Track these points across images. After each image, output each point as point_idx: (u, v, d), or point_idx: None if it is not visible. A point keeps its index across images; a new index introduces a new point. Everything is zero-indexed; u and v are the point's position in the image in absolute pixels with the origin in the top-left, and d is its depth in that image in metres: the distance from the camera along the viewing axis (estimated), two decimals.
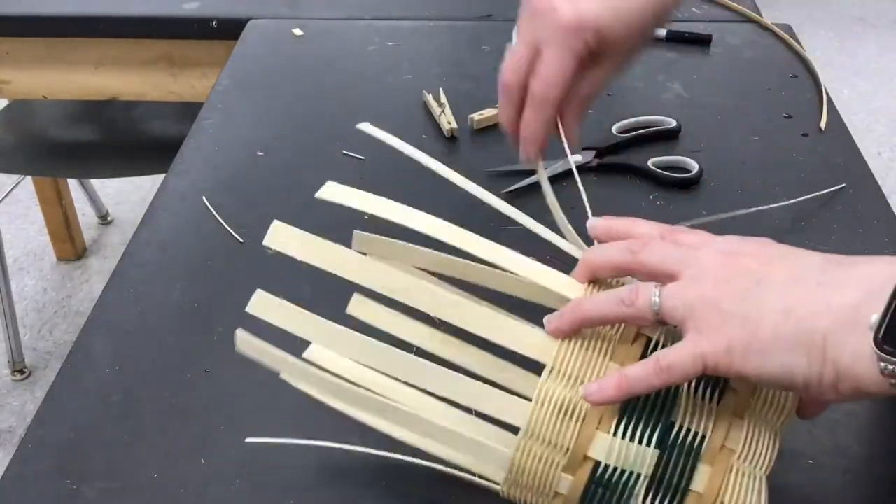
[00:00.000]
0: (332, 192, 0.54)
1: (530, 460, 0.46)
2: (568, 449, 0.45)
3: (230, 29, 1.14)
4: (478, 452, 0.48)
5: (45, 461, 0.58)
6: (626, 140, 0.88)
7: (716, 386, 0.46)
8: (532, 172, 0.83)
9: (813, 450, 0.57)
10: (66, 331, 1.85)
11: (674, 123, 0.90)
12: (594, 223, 0.51)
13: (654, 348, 0.46)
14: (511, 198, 0.80)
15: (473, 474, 0.50)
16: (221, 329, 0.68)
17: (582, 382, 0.46)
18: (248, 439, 0.55)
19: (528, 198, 0.81)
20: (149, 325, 0.68)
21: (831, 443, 0.58)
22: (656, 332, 0.47)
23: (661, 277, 0.45)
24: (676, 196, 0.82)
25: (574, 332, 0.47)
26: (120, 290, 0.72)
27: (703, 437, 0.45)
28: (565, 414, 0.45)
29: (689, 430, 0.45)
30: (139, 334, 0.68)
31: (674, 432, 0.45)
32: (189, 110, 1.30)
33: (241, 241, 0.77)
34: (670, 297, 0.44)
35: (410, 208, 0.51)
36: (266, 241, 0.49)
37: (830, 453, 0.57)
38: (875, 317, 0.38)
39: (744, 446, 0.45)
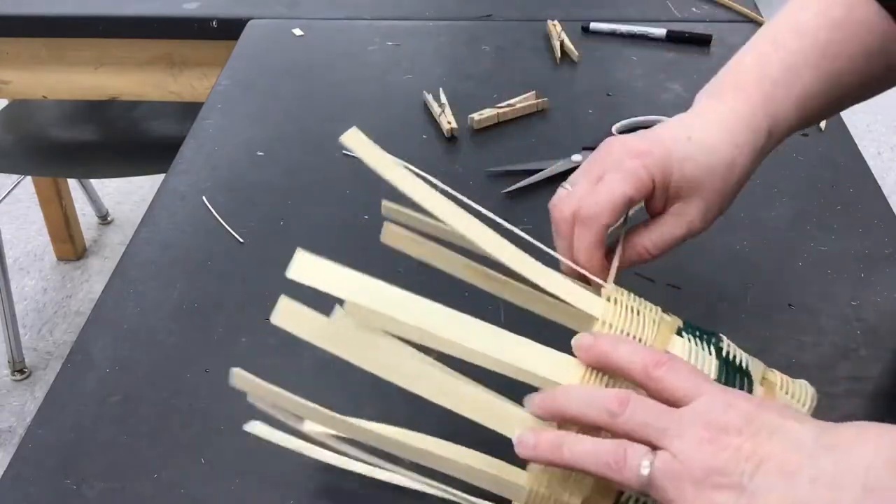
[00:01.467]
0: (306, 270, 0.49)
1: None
2: None
3: (230, 29, 1.14)
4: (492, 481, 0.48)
5: (45, 461, 0.58)
6: None
7: None
8: (531, 173, 0.83)
9: None
10: (66, 331, 1.85)
11: None
12: (576, 343, 0.47)
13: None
14: (510, 198, 0.80)
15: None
16: (221, 329, 0.68)
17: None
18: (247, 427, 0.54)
19: (527, 198, 0.81)
20: (149, 325, 0.68)
21: None
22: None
23: (643, 441, 0.43)
24: None
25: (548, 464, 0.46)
26: (120, 290, 0.72)
27: None
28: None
29: None
30: (139, 334, 0.68)
31: None
32: (189, 110, 1.30)
33: (241, 241, 0.77)
34: (662, 476, 0.41)
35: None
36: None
37: None
38: None
39: None
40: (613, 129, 0.89)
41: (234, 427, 0.60)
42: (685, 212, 0.54)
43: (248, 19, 1.15)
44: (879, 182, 0.83)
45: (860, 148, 0.87)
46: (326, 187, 0.83)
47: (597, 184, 0.52)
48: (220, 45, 1.15)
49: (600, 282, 0.51)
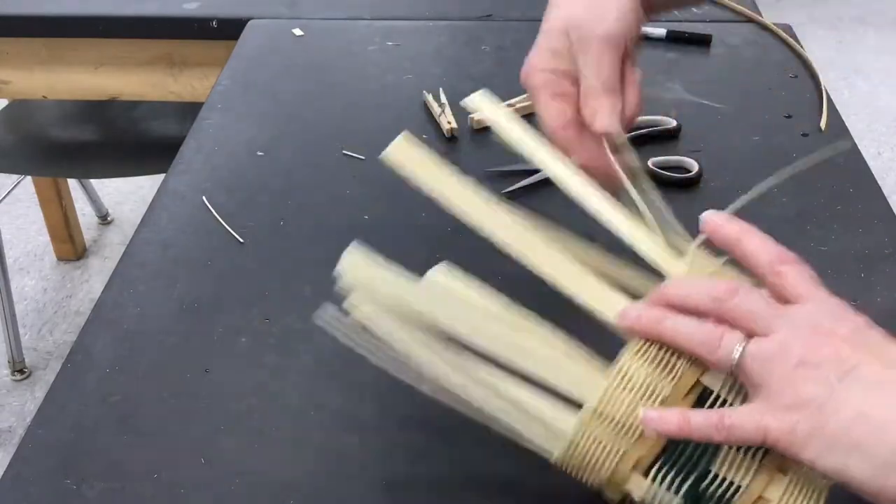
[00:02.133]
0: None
1: (584, 450, 0.47)
2: (608, 477, 0.46)
3: (230, 29, 1.14)
4: (539, 426, 0.48)
5: (45, 461, 0.58)
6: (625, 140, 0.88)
7: None
8: (531, 172, 0.83)
9: None
10: (66, 331, 1.85)
11: (674, 123, 0.90)
12: (707, 217, 0.49)
13: (713, 402, 0.45)
14: (510, 198, 0.80)
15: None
16: (221, 329, 0.68)
17: (622, 423, 0.45)
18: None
19: (527, 198, 0.81)
20: (149, 325, 0.68)
21: None
22: (718, 383, 0.45)
23: (745, 329, 0.44)
24: (676, 196, 0.81)
25: (644, 337, 0.47)
26: (120, 290, 0.72)
27: (739, 487, 0.44)
28: (616, 429, 0.46)
29: (724, 480, 0.44)
30: (139, 334, 0.68)
31: (707, 481, 0.44)
32: (189, 110, 1.30)
33: (241, 241, 0.77)
34: (752, 359, 0.43)
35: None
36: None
37: None
38: None
39: (781, 500, 0.44)
40: None
41: (234, 427, 0.60)
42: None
43: (248, 19, 1.15)
44: (879, 182, 0.83)
45: (860, 148, 0.87)
46: (326, 187, 0.83)
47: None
48: (220, 45, 1.15)
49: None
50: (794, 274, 0.45)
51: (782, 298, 0.45)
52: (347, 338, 0.49)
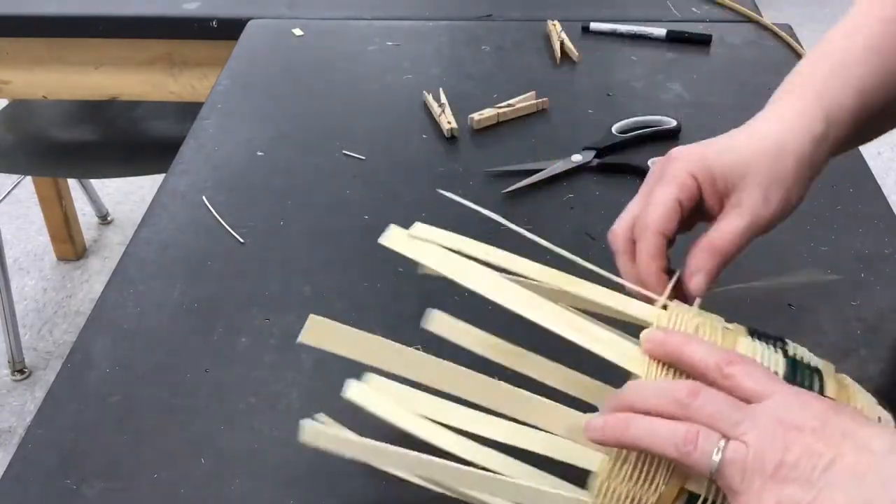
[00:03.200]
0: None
1: None
2: None
3: (230, 29, 1.14)
4: None
5: (45, 461, 0.58)
6: (626, 140, 0.88)
7: None
8: (531, 172, 0.83)
9: None
10: (66, 331, 1.85)
11: (674, 123, 0.90)
12: (646, 336, 0.47)
13: None
14: (510, 198, 0.80)
15: None
16: (221, 329, 0.68)
17: None
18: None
19: (526, 198, 0.81)
20: (149, 325, 0.68)
21: None
22: (704, 487, 0.44)
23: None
24: None
25: (616, 446, 0.45)
26: (120, 290, 0.72)
27: None
28: None
29: None
30: (139, 334, 0.68)
31: None
32: (189, 110, 1.30)
33: (242, 241, 0.77)
34: (732, 464, 0.41)
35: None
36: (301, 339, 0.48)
37: None
38: None
39: None
40: (613, 129, 0.89)
41: (234, 427, 0.60)
42: (741, 200, 0.53)
43: (248, 19, 1.15)
44: (879, 182, 0.83)
45: (860, 148, 0.87)
46: (326, 187, 0.83)
47: (646, 201, 0.53)
48: (220, 45, 1.15)
49: (658, 297, 0.51)
50: (745, 373, 0.44)
51: (741, 400, 0.43)
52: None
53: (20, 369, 1.75)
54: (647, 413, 0.44)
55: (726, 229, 0.52)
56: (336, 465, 0.57)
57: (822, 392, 0.46)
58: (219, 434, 0.60)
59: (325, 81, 1.01)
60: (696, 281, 0.52)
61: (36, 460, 0.58)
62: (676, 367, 0.45)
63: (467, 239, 0.49)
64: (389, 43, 1.09)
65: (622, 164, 0.85)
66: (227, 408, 0.62)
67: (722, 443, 0.41)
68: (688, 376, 0.45)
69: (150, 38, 1.22)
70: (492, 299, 0.46)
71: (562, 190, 0.82)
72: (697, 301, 0.51)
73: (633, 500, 0.44)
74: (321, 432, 0.48)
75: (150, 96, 1.30)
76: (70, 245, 2.01)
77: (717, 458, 0.41)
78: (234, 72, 1.03)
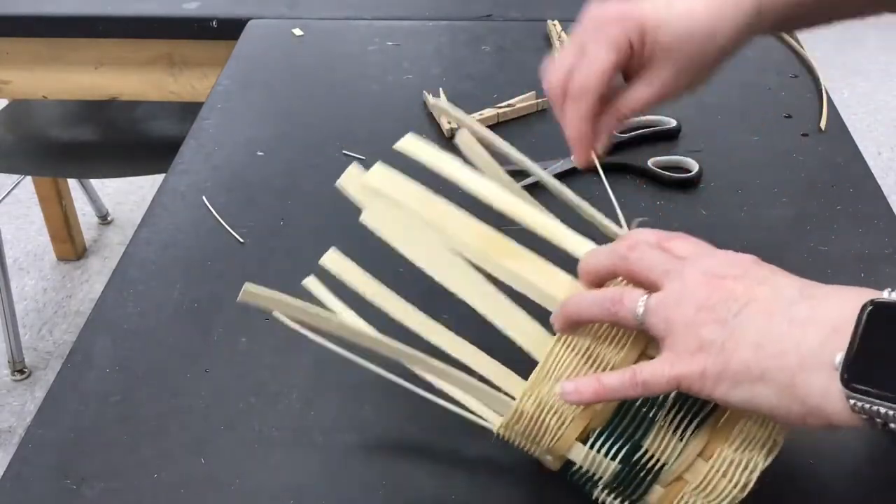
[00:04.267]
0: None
1: (529, 417, 0.50)
2: (548, 445, 0.50)
3: (230, 29, 1.14)
4: (481, 398, 0.51)
5: (45, 461, 0.58)
6: (626, 140, 0.88)
7: (695, 412, 0.47)
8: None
9: (813, 450, 0.57)
10: (66, 331, 1.85)
11: (674, 123, 0.90)
12: (582, 265, 0.51)
13: None
14: None
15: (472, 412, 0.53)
16: (221, 329, 0.68)
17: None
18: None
19: None
20: (149, 325, 0.68)
21: (832, 443, 0.58)
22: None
23: (646, 285, 0.47)
24: (676, 196, 0.82)
25: (569, 329, 0.49)
26: (120, 290, 0.72)
27: (664, 464, 0.48)
28: (550, 412, 0.49)
29: (653, 456, 0.48)
30: (139, 334, 0.68)
31: (638, 454, 0.48)
32: (189, 110, 1.30)
33: (241, 241, 0.77)
34: (653, 313, 0.45)
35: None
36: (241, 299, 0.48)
37: (831, 453, 0.57)
38: (839, 357, 0.39)
39: (701, 482, 0.47)
40: None
41: (234, 427, 0.60)
42: (656, 75, 0.57)
43: (248, 19, 1.15)
44: (879, 182, 0.83)
45: (860, 148, 0.87)
46: (326, 187, 0.83)
47: (581, 55, 0.56)
48: (220, 45, 1.15)
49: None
50: (680, 242, 0.48)
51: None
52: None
53: (20, 369, 1.75)
54: (598, 274, 0.49)
55: (634, 98, 0.58)
56: (336, 465, 0.58)
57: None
58: (219, 434, 0.60)
59: (325, 81, 1.01)
60: (602, 140, 0.59)
61: (36, 460, 0.58)
62: (623, 271, 0.49)
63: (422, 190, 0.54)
64: (389, 43, 1.09)
65: (622, 164, 0.85)
66: (227, 408, 0.62)
67: (644, 297, 0.45)
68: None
69: (150, 38, 1.22)
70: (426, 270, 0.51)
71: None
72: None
73: (592, 356, 0.49)
74: (258, 294, 0.48)
75: (150, 96, 1.30)
76: (70, 245, 2.01)
77: (640, 309, 0.45)
78: (234, 72, 1.03)
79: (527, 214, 0.53)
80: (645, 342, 0.48)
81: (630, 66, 0.57)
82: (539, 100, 0.94)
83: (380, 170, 0.54)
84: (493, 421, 0.52)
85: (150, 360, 0.66)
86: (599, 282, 0.50)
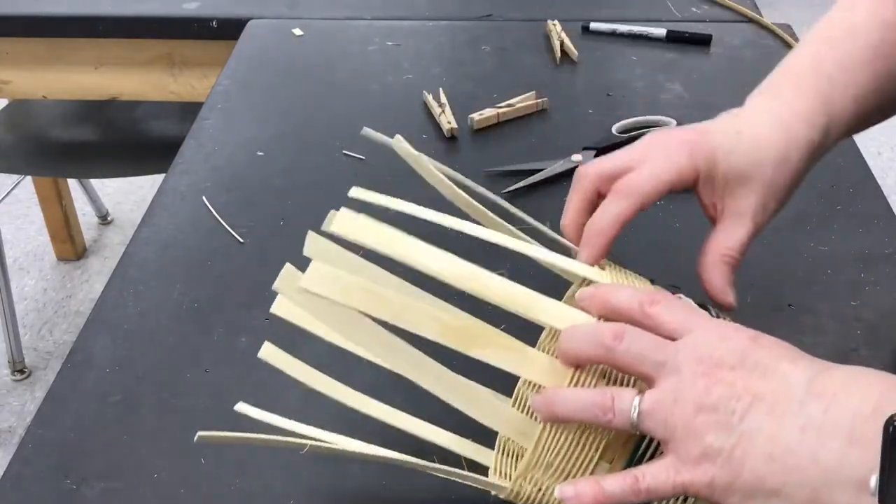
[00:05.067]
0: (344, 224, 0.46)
1: (559, 439, 0.46)
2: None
3: (230, 29, 1.14)
4: (499, 421, 0.48)
5: (45, 461, 0.58)
6: (625, 140, 0.88)
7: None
8: (531, 172, 0.83)
9: None
10: (66, 331, 1.85)
11: (674, 123, 0.90)
12: (579, 296, 0.48)
13: (647, 446, 0.45)
14: (509, 198, 0.80)
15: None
16: (221, 329, 0.68)
17: (565, 475, 0.46)
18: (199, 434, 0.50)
19: (527, 198, 0.81)
20: (149, 325, 0.68)
21: None
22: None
23: (638, 374, 0.44)
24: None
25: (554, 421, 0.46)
26: (120, 290, 0.72)
27: None
28: (549, 493, 0.46)
29: None
30: (139, 334, 0.68)
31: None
32: (189, 110, 1.30)
33: (241, 241, 0.77)
34: (649, 416, 0.42)
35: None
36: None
37: None
38: (874, 480, 0.37)
39: None
40: (613, 129, 0.89)
41: (234, 427, 0.60)
42: (742, 208, 0.53)
43: (248, 19, 1.15)
44: (879, 182, 0.83)
45: (860, 148, 0.87)
46: (326, 187, 0.83)
47: (640, 163, 0.52)
48: (220, 45, 1.15)
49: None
50: (665, 311, 0.45)
51: (665, 337, 0.44)
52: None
53: (20, 369, 1.75)
54: (580, 357, 0.45)
55: (735, 239, 0.53)
56: (337, 465, 0.58)
57: None
58: None
59: (325, 81, 1.01)
60: (730, 298, 0.53)
61: (36, 460, 0.58)
62: (608, 317, 0.46)
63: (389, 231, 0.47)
64: (389, 43, 1.09)
65: None
66: (227, 408, 0.62)
67: (636, 399, 0.42)
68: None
69: (150, 38, 1.22)
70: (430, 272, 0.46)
71: (562, 190, 0.82)
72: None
73: (584, 438, 0.45)
74: (214, 436, 0.48)
75: (150, 96, 1.30)
76: (70, 245, 2.01)
77: (634, 415, 0.42)
78: (234, 72, 1.03)
79: (494, 289, 0.46)
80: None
81: (701, 196, 0.54)
82: (539, 100, 0.94)
83: (316, 270, 0.45)
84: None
85: (150, 360, 0.66)
86: (568, 361, 0.46)
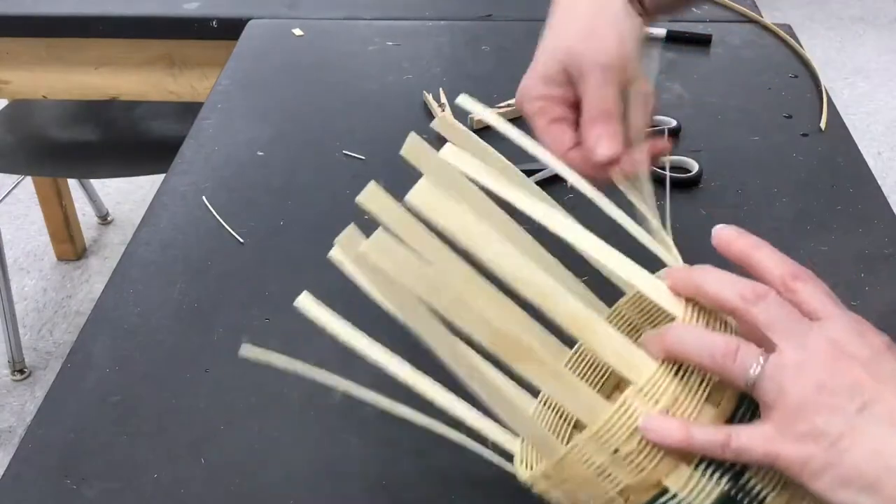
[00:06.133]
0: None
1: (583, 464, 0.43)
2: (641, 470, 0.43)
3: (230, 29, 1.14)
4: (525, 431, 0.46)
5: (45, 461, 0.58)
6: None
7: None
8: (532, 172, 0.83)
9: None
10: (66, 331, 1.85)
11: (674, 123, 0.90)
12: (719, 232, 0.47)
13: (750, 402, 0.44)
14: None
15: (495, 449, 0.49)
16: (221, 329, 0.68)
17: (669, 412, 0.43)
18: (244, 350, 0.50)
19: None
20: (149, 325, 0.68)
21: None
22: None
23: (763, 339, 0.43)
24: (676, 196, 0.82)
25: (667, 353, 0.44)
26: (120, 290, 0.72)
27: (772, 487, 0.43)
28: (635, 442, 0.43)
29: (758, 480, 0.43)
30: (139, 334, 0.68)
31: (745, 477, 0.43)
32: (189, 110, 1.30)
33: (241, 241, 0.77)
34: (768, 378, 0.41)
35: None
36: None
37: None
38: None
39: None
40: None
41: (234, 427, 0.60)
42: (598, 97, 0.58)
43: (248, 19, 1.15)
44: (879, 182, 0.83)
45: (860, 148, 0.87)
46: (326, 187, 0.83)
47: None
48: (220, 45, 1.15)
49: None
50: (809, 291, 0.44)
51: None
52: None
53: (20, 369, 1.75)
54: (711, 296, 0.44)
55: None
56: (337, 465, 0.58)
57: None
58: (219, 434, 0.60)
59: (325, 81, 1.01)
60: (601, 146, 0.57)
61: (36, 460, 0.58)
62: (744, 266, 0.45)
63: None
64: (389, 43, 1.09)
65: None
66: (227, 408, 0.62)
67: (761, 358, 0.41)
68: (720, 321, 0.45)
69: (150, 38, 1.22)
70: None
71: (562, 190, 0.81)
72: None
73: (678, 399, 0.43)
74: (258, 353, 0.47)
75: (150, 96, 1.30)
76: (70, 245, 2.01)
77: (754, 372, 0.41)
78: (234, 72, 1.03)
79: (560, 311, 0.44)
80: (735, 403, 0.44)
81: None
82: None
83: (380, 239, 0.44)
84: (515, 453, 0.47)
85: (150, 360, 0.66)
86: (701, 301, 0.45)
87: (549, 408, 0.51)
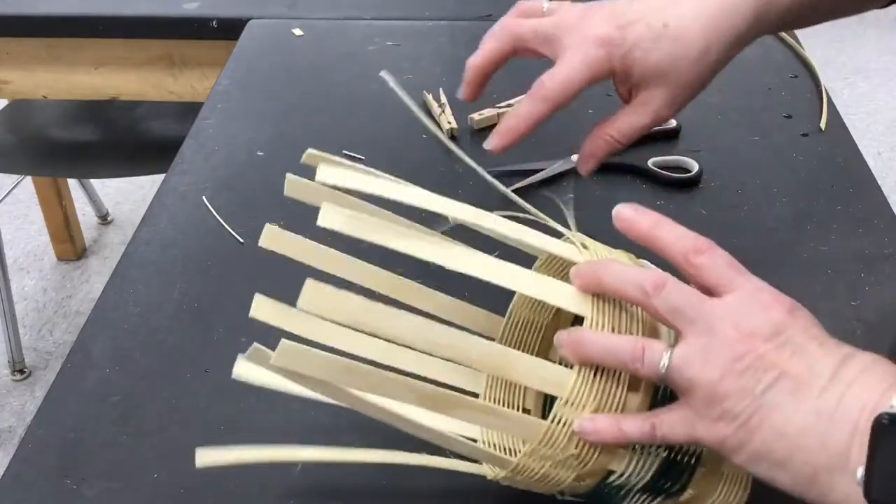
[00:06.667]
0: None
1: (535, 468, 0.47)
2: (586, 463, 0.46)
3: (230, 29, 1.14)
4: (477, 455, 0.50)
5: (45, 461, 0.58)
6: None
7: None
8: (532, 172, 0.83)
9: None
10: (66, 331, 1.85)
11: (674, 123, 0.90)
12: (620, 211, 0.48)
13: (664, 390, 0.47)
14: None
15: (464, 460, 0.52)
16: (221, 329, 0.68)
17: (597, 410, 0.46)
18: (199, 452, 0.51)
19: (526, 198, 0.80)
20: (149, 325, 0.68)
21: None
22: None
23: (669, 326, 0.45)
24: (676, 196, 0.82)
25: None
26: (120, 290, 0.72)
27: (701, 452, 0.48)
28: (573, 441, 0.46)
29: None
30: (139, 334, 0.68)
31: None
32: (189, 110, 1.30)
33: (241, 241, 0.77)
34: (676, 370, 0.43)
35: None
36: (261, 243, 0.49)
37: None
38: (860, 471, 0.38)
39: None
40: None
41: (235, 427, 0.60)
42: (650, 101, 0.56)
43: (248, 19, 1.15)
44: (879, 182, 0.83)
45: (860, 148, 0.87)
46: None
47: (557, 46, 0.56)
48: (220, 45, 1.15)
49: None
50: (709, 265, 0.45)
51: (705, 291, 0.44)
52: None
53: (20, 369, 1.75)
54: (614, 292, 0.45)
55: (628, 124, 0.57)
56: (337, 465, 0.57)
57: None
58: (219, 434, 0.60)
59: (325, 81, 1.01)
60: (588, 166, 0.58)
61: (36, 460, 0.58)
62: (647, 246, 0.47)
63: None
64: (389, 43, 1.09)
65: (622, 164, 0.85)
66: (227, 408, 0.62)
67: (665, 354, 0.43)
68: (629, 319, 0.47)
69: (150, 38, 1.22)
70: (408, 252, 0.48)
71: (562, 190, 0.82)
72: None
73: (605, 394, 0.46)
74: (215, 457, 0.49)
75: (150, 96, 1.30)
76: (70, 245, 2.01)
77: (663, 368, 0.43)
78: (234, 72, 1.03)
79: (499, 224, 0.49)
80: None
81: (618, 87, 0.57)
82: None
83: (286, 349, 0.46)
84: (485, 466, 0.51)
85: (150, 360, 0.66)
86: (602, 293, 0.46)
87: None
